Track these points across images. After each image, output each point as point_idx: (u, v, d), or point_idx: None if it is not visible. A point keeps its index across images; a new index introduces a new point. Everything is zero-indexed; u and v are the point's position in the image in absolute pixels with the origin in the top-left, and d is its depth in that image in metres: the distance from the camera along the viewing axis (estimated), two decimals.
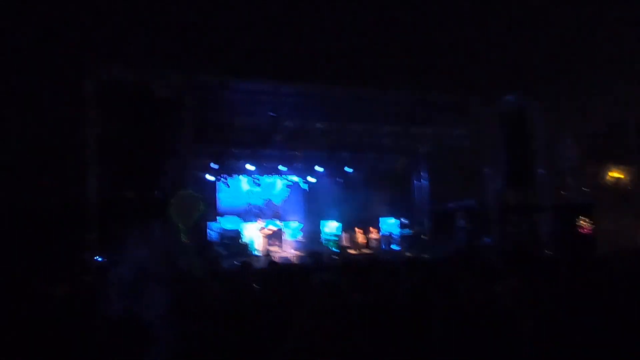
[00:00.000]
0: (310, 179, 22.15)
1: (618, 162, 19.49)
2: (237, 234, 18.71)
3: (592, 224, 17.12)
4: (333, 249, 19.67)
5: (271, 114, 17.13)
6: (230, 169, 19.71)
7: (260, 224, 19.91)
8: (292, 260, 16.36)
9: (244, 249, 17.96)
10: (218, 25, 17.76)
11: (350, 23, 17.77)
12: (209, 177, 19.05)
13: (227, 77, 16.15)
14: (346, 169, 21.51)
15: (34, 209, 13.45)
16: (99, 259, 14.01)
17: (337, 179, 21.99)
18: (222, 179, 20.05)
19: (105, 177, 14.42)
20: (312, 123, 18.48)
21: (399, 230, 21.34)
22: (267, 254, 17.91)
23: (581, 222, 17.29)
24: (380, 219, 21.71)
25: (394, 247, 20.66)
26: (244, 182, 20.95)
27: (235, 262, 14.89)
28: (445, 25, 19.59)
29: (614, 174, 17.18)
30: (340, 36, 17.55)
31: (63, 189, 13.93)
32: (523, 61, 19.26)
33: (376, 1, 19.73)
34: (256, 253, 18.32)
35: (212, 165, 18.86)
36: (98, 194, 14.42)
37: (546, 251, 11.91)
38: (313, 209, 21.93)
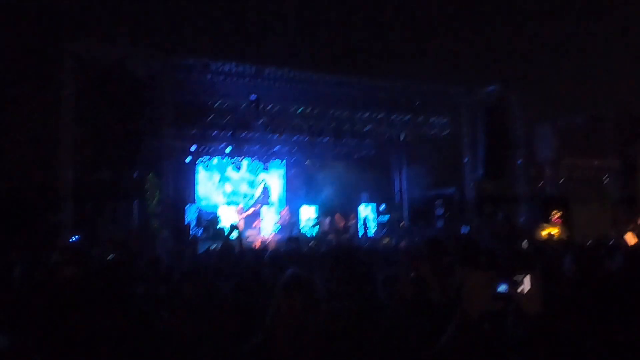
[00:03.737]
0: (289, 163, 22.14)
1: (595, 156, 19.68)
2: (215, 217, 18.64)
3: (566, 217, 17.28)
4: (311, 234, 19.70)
5: (252, 97, 17.04)
6: (209, 151, 19.59)
7: (238, 207, 19.89)
8: (269, 244, 16.30)
9: (221, 233, 17.89)
10: (200, 6, 17.58)
11: (334, 9, 17.66)
12: (188, 159, 18.91)
13: (208, 59, 16.03)
14: (326, 154, 21.47)
15: (9, 190, 13.29)
16: (75, 239, 13.94)
17: (317, 164, 21.97)
18: (201, 161, 19.95)
19: (80, 158, 14.29)
20: (292, 107, 18.45)
21: (376, 216, 21.36)
22: (244, 238, 17.87)
23: (554, 214, 17.43)
24: (359, 205, 21.76)
25: (370, 233, 20.69)
26: (222, 165, 20.83)
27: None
28: (427, 15, 19.57)
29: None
30: (323, 22, 17.45)
31: (38, 169, 13.78)
32: (503, 52, 19.30)
33: None
34: (233, 237, 18.26)
35: (191, 147, 18.71)
36: (73, 174, 14.29)
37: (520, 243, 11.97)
38: (292, 193, 21.94)
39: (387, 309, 3.72)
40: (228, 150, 19.75)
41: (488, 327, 2.09)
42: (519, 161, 19.65)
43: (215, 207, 19.83)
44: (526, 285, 2.03)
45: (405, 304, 3.48)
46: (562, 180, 19.80)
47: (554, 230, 17.25)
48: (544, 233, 17.25)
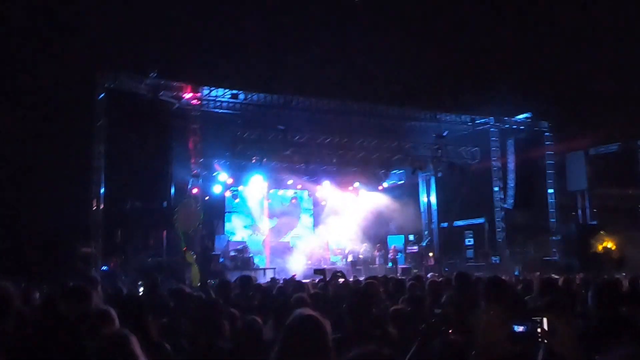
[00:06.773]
0: (319, 193, 22.15)
1: (628, 185, 19.26)
2: (243, 247, 18.60)
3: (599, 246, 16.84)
4: (340, 263, 19.59)
5: (280, 127, 17.13)
6: (239, 181, 19.64)
7: (266, 237, 19.93)
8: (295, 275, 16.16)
9: (249, 262, 17.87)
10: (229, 39, 17.86)
11: (363, 40, 17.81)
12: (217, 189, 18.92)
13: (237, 89, 16.21)
14: (355, 184, 21.45)
15: (42, 217, 13.49)
16: (105, 269, 14.04)
17: (347, 193, 21.88)
18: (230, 191, 19.99)
19: (112, 186, 14.47)
20: (320, 137, 18.50)
21: (403, 246, 21.11)
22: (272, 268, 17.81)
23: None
24: (387, 235, 21.58)
25: (400, 264, 20.42)
26: (252, 194, 20.82)
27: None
28: (456, 46, 19.60)
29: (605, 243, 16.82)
30: (352, 53, 17.59)
31: (70, 197, 13.96)
32: (534, 81, 19.16)
33: (391, 23, 19.87)
34: (260, 266, 18.26)
35: (221, 177, 18.76)
36: (105, 203, 14.43)
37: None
38: (321, 223, 21.84)
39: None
40: (257, 179, 19.76)
41: None
42: (550, 191, 19.36)
43: (243, 237, 19.86)
44: (545, 326, 1.95)
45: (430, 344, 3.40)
46: (595, 210, 19.40)
47: (611, 244, 16.63)
48: (600, 247, 16.68)
